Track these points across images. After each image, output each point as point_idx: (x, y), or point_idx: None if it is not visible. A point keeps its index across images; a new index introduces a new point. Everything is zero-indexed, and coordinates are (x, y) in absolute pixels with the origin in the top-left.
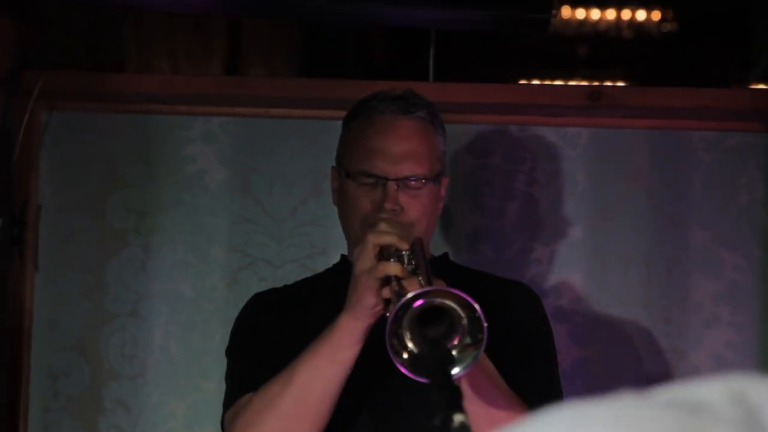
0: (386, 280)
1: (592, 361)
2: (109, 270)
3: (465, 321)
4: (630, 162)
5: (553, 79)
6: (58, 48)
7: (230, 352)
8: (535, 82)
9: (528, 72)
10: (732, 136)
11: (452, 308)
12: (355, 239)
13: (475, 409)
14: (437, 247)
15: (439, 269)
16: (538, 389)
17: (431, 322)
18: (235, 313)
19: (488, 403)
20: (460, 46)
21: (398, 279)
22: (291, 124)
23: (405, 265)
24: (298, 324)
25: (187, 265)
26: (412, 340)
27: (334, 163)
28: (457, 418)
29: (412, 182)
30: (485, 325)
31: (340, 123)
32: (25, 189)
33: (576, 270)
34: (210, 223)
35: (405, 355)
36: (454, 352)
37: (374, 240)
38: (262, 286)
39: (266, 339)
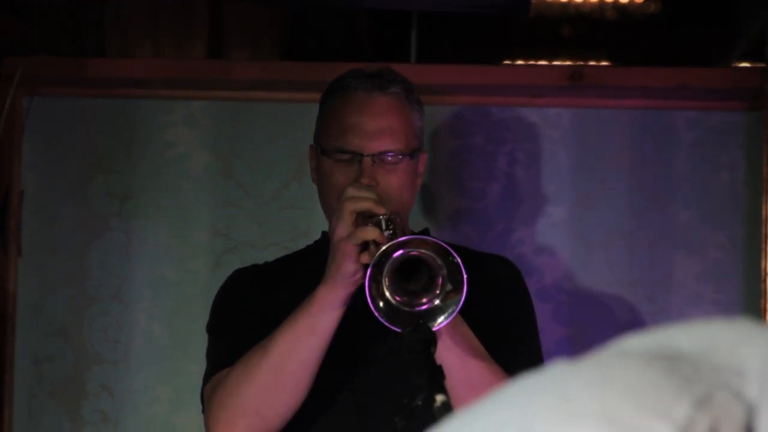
0: (365, 246)
1: (575, 340)
2: (92, 255)
3: (444, 269)
4: (611, 142)
5: (537, 60)
6: (40, 35)
7: (211, 329)
8: (519, 63)
9: (511, 54)
10: (713, 115)
11: (431, 258)
12: (333, 215)
13: (450, 362)
14: (419, 227)
15: None
16: (521, 364)
17: (411, 277)
18: None
19: (472, 374)
20: (442, 27)
21: (377, 243)
22: (273, 107)
23: (383, 230)
24: (279, 300)
25: (170, 249)
26: (390, 288)
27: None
28: (439, 398)
29: (388, 157)
30: (463, 267)
31: None
32: (7, 175)
33: (558, 250)
34: (192, 207)
35: (381, 304)
36: (437, 301)
37: (351, 207)
38: None
39: (247, 315)
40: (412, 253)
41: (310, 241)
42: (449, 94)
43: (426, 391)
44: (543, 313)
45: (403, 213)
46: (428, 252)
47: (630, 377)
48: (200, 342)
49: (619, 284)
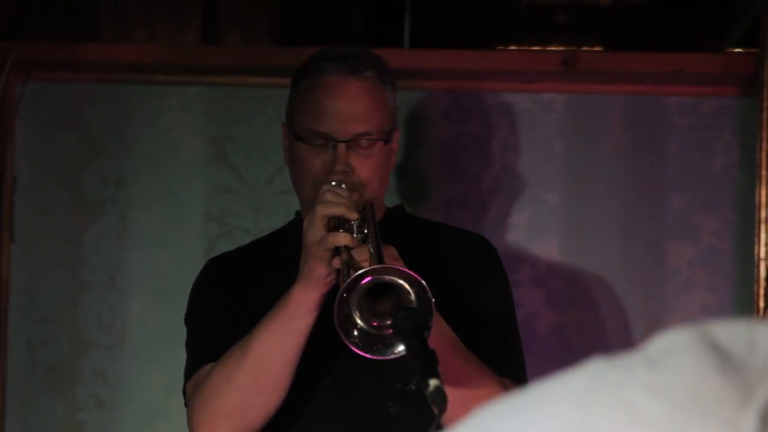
0: (337, 250)
1: (568, 325)
2: (86, 240)
3: (413, 297)
4: (605, 128)
5: (531, 46)
6: (35, 22)
7: (188, 320)
8: (513, 48)
9: (505, 39)
10: (707, 101)
11: (400, 284)
12: (307, 200)
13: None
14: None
15: (393, 223)
16: (498, 346)
17: (381, 295)
18: None
19: (452, 370)
20: (436, 12)
21: (348, 249)
22: (267, 92)
23: (355, 234)
24: (255, 287)
25: (164, 235)
26: (362, 317)
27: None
28: (432, 382)
29: (363, 143)
30: (433, 300)
31: None
32: (1, 160)
33: (552, 235)
34: (186, 192)
35: (355, 333)
36: None
37: (323, 211)
38: None
39: (223, 306)
40: (380, 280)
41: None
42: (443, 80)
43: (419, 375)
44: (536, 297)
45: (378, 196)
46: (397, 279)
47: (689, 381)
48: None
49: (612, 269)
